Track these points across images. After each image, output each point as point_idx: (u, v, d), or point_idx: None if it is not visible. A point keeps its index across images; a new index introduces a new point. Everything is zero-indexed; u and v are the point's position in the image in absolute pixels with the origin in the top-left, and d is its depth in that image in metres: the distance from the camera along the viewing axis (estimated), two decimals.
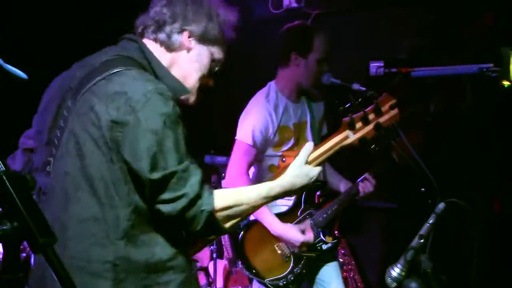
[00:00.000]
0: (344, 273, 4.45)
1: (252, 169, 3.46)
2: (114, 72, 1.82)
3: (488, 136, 3.84)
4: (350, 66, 4.16)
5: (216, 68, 2.10)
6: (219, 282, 4.77)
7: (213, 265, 4.82)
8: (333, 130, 3.67)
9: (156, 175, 1.73)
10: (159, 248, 1.86)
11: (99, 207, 1.80)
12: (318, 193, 3.49)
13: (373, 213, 4.61)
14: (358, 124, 2.14)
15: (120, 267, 1.80)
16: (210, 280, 4.83)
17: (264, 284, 3.34)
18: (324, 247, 3.41)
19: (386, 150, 3.19)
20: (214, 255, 4.80)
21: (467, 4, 3.97)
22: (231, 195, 1.91)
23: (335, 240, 3.46)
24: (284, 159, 3.44)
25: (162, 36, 1.99)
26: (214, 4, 2.06)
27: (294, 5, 4.67)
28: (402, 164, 3.40)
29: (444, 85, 4.02)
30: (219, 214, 1.85)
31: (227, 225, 1.91)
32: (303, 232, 3.30)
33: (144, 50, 1.96)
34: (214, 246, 4.85)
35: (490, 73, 3.01)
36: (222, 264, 4.87)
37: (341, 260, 4.48)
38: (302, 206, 3.42)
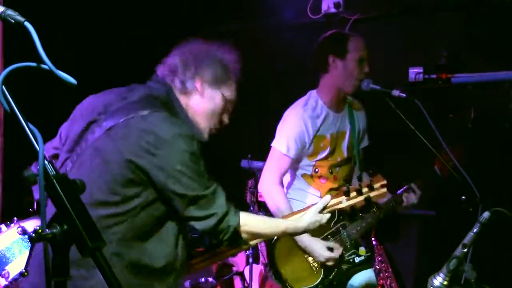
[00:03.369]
0: (381, 281, 4.41)
1: (286, 176, 3.44)
2: (148, 113, 2.09)
3: None
4: (389, 72, 4.14)
5: (229, 108, 2.36)
6: (255, 287, 4.76)
7: (249, 270, 4.82)
8: (375, 137, 3.68)
9: (191, 193, 2.09)
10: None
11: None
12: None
13: (411, 220, 4.55)
14: (353, 194, 2.54)
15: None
16: (246, 285, 4.83)
17: None
18: (357, 259, 3.35)
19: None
20: (250, 260, 4.79)
21: (509, 10, 3.91)
22: (254, 219, 2.34)
23: (369, 254, 3.40)
24: (317, 170, 3.43)
25: (177, 82, 2.25)
26: (220, 51, 2.32)
27: (333, 10, 4.64)
28: (444, 176, 3.35)
29: (485, 91, 3.97)
30: (243, 230, 2.23)
31: (250, 242, 2.33)
32: (330, 249, 3.22)
33: (170, 94, 2.24)
34: (251, 251, 4.84)
35: None
36: (258, 269, 4.87)
37: (377, 267, 4.44)
38: (336, 217, 3.34)
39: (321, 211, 2.42)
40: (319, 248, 3.21)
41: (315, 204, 2.44)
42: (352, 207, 2.57)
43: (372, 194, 2.54)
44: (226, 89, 2.31)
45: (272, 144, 3.36)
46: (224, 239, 2.18)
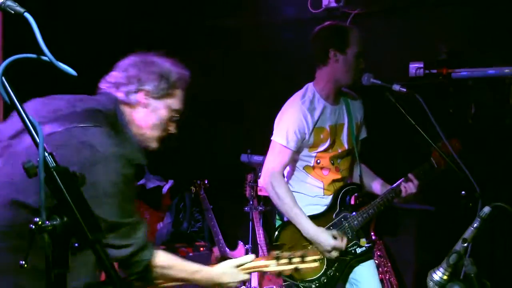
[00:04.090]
0: (380, 275, 4.41)
1: (287, 169, 3.45)
2: (91, 126, 2.02)
3: None
4: (389, 67, 4.14)
5: (175, 117, 2.32)
6: (254, 281, 4.77)
7: None
8: (374, 131, 3.68)
9: (113, 219, 1.99)
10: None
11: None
12: (354, 195, 3.46)
13: (410, 215, 4.56)
14: (283, 261, 2.45)
15: None
16: None
17: (297, 286, 3.32)
18: (359, 250, 3.38)
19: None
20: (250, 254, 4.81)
21: (510, 4, 3.90)
22: (170, 259, 2.28)
23: (370, 244, 3.43)
24: (318, 161, 3.44)
25: (121, 96, 2.21)
26: (163, 64, 2.29)
27: (333, 4, 4.63)
28: (440, 169, 3.36)
29: (485, 86, 3.96)
30: (155, 269, 2.19)
31: (159, 281, 2.30)
32: (335, 237, 3.27)
33: (116, 107, 2.20)
34: (249, 245, 4.86)
35: None
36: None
37: (377, 261, 4.44)
38: (338, 209, 3.40)
39: (239, 266, 2.39)
40: (326, 238, 3.24)
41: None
42: (278, 273, 2.53)
43: (301, 266, 2.47)
44: (171, 99, 2.29)
45: (272, 138, 3.36)
46: (134, 272, 2.13)
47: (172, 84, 2.28)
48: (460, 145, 3.35)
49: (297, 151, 3.36)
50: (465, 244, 2.00)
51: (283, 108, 3.41)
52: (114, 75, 2.26)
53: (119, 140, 2.08)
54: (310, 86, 3.42)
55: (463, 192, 3.07)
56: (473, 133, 3.76)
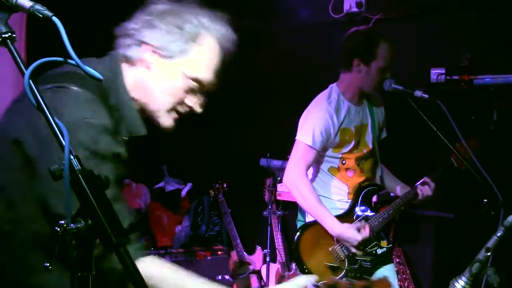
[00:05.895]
0: (399, 282, 4.38)
1: (311, 171, 3.45)
2: (62, 87, 1.63)
3: None
4: (411, 73, 4.12)
5: (195, 88, 1.81)
6: (272, 286, 4.76)
7: (266, 268, 4.82)
8: (393, 135, 3.67)
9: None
10: None
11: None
12: (374, 196, 3.46)
13: (429, 222, 4.53)
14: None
15: None
16: (263, 283, 4.84)
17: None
18: (379, 251, 3.40)
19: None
20: (268, 259, 4.81)
21: None
22: (162, 269, 1.71)
23: (390, 245, 3.44)
24: (344, 161, 3.44)
25: (121, 49, 1.79)
26: (186, 12, 1.78)
27: (355, 9, 4.62)
28: (460, 168, 3.34)
29: (508, 93, 3.93)
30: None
31: None
32: (359, 230, 3.28)
33: (117, 73, 1.79)
34: (268, 250, 4.85)
35: None
36: (275, 268, 4.87)
37: (396, 269, 4.41)
38: (359, 209, 3.42)
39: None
40: (352, 234, 3.25)
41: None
42: None
43: None
44: (186, 63, 1.77)
45: (297, 137, 3.36)
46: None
47: (190, 38, 1.76)
48: (478, 144, 3.32)
49: (322, 152, 3.36)
50: (488, 253, 1.98)
51: (308, 108, 3.42)
52: (124, 24, 1.81)
53: (103, 106, 1.66)
54: (334, 87, 3.44)
55: (485, 200, 3.04)
56: (495, 140, 3.72)
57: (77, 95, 1.62)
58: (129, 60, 1.78)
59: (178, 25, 1.75)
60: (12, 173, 1.65)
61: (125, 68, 1.79)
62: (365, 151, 3.45)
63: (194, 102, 1.82)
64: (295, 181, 3.29)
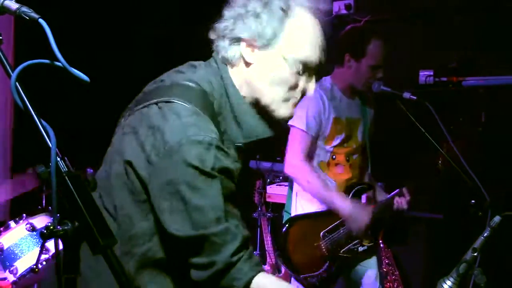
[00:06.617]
0: (388, 283, 4.39)
1: None
2: (168, 102, 1.59)
3: None
4: (399, 75, 4.13)
5: (306, 69, 1.69)
6: None
7: None
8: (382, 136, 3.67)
9: (180, 233, 1.53)
10: None
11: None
12: (364, 195, 3.47)
13: (418, 224, 4.54)
14: None
15: None
16: None
17: (299, 281, 3.34)
18: (360, 249, 3.43)
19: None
20: None
21: None
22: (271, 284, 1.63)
23: (372, 243, 3.46)
24: (334, 156, 3.45)
25: (221, 53, 1.72)
26: None
27: (344, 11, 4.64)
28: (446, 170, 3.36)
29: (496, 95, 3.95)
30: None
31: None
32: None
33: (223, 77, 1.71)
34: (257, 252, 4.85)
35: None
36: (265, 269, 4.86)
37: (385, 270, 4.43)
38: None
39: None
40: (364, 214, 3.25)
41: None
42: None
43: None
44: (286, 46, 1.65)
45: (290, 123, 3.33)
46: None
47: (282, 17, 1.64)
48: (466, 145, 3.34)
49: (316, 137, 3.35)
50: (475, 254, 1.98)
51: None
52: (219, 23, 1.72)
53: (200, 120, 1.57)
54: (327, 78, 3.46)
55: (472, 201, 3.06)
56: (483, 141, 3.75)
57: (182, 111, 1.56)
58: (229, 62, 1.71)
59: (264, 7, 1.64)
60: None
61: (229, 71, 1.72)
62: (354, 146, 3.45)
63: (307, 84, 1.72)
64: (296, 169, 3.28)
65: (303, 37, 1.67)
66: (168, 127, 1.53)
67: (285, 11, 1.64)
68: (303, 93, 1.74)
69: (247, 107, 1.71)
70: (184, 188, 1.50)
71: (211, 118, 1.61)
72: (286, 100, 1.71)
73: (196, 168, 1.50)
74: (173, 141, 1.51)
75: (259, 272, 1.57)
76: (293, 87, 1.70)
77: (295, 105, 1.75)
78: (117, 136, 1.69)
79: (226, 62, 1.72)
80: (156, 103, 1.60)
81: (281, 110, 1.72)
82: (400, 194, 3.39)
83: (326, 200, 3.28)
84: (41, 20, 1.21)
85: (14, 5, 1.25)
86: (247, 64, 1.69)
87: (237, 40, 1.68)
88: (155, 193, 1.55)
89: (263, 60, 1.67)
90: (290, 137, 3.34)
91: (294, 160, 3.29)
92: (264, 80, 1.68)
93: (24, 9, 1.24)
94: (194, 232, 1.51)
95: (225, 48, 1.70)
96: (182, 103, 1.57)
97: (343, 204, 3.25)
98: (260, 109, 1.73)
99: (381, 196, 3.58)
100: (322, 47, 1.70)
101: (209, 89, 1.67)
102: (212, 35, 1.73)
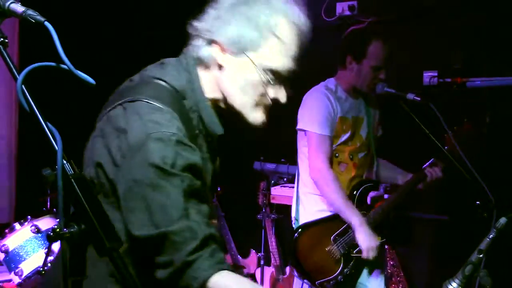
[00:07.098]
0: (393, 285, 4.38)
1: (305, 164, 3.42)
2: (132, 101, 1.61)
3: None
4: (403, 75, 4.13)
5: (277, 79, 1.72)
6: None
7: (260, 272, 4.83)
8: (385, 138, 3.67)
9: (143, 232, 1.52)
10: None
11: None
12: (370, 194, 3.46)
13: (423, 225, 4.53)
14: None
15: None
16: None
17: (315, 286, 3.33)
18: None
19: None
20: (262, 262, 4.81)
21: None
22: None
23: (384, 240, 3.45)
24: (337, 154, 3.44)
25: (195, 51, 1.73)
26: (256, 4, 1.67)
27: (347, 13, 4.64)
28: (450, 171, 3.35)
29: (501, 96, 3.94)
30: None
31: None
32: None
33: (191, 74, 1.73)
34: (262, 253, 4.85)
35: None
36: (269, 271, 4.87)
37: (389, 271, 4.42)
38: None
39: None
40: (375, 239, 3.26)
41: None
42: None
43: None
44: (260, 55, 1.66)
45: (302, 127, 3.35)
46: None
47: (264, 27, 1.64)
48: (472, 128, 3.34)
49: (332, 140, 3.34)
50: (481, 255, 1.98)
51: (306, 99, 3.42)
52: (195, 23, 1.73)
53: (160, 116, 1.57)
54: (331, 80, 3.46)
55: (477, 202, 3.05)
56: (488, 142, 3.74)
57: (143, 109, 1.58)
58: (202, 62, 1.72)
59: (249, 16, 1.65)
60: None
61: (200, 70, 1.74)
62: (358, 144, 3.45)
63: (277, 93, 1.74)
64: (320, 174, 3.26)
65: (278, 49, 1.68)
66: (130, 127, 1.55)
67: (265, 20, 1.65)
68: (275, 101, 1.76)
69: (206, 105, 1.74)
70: (145, 188, 1.51)
71: (180, 114, 1.63)
72: (257, 105, 1.74)
73: (157, 167, 1.51)
74: (135, 141, 1.53)
75: (220, 270, 1.54)
76: (264, 94, 1.72)
77: (266, 111, 1.77)
78: (90, 139, 1.71)
79: (199, 61, 1.73)
80: (121, 104, 1.62)
81: (251, 115, 1.74)
82: (432, 165, 3.39)
83: (342, 212, 3.28)
84: (47, 23, 1.21)
85: (20, 8, 1.25)
86: (220, 66, 1.71)
87: (213, 42, 1.69)
88: (121, 195, 1.56)
89: (235, 65, 1.69)
90: (309, 143, 3.33)
91: (318, 164, 3.27)
92: (235, 85, 1.71)
93: (30, 12, 1.24)
94: (155, 231, 1.50)
95: (199, 48, 1.71)
96: (147, 101, 1.59)
97: (358, 222, 3.24)
98: (228, 110, 1.76)
99: (404, 177, 3.55)
100: (296, 58, 1.73)
101: (179, 85, 1.69)
102: (190, 30, 1.74)
